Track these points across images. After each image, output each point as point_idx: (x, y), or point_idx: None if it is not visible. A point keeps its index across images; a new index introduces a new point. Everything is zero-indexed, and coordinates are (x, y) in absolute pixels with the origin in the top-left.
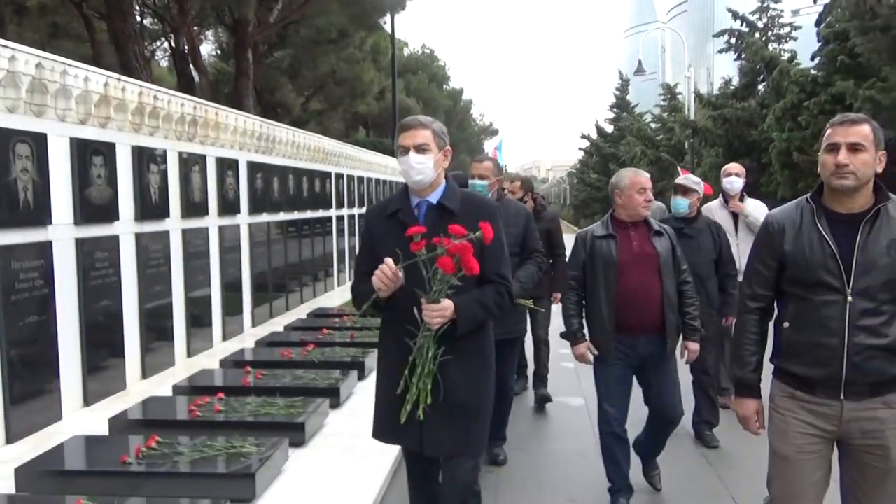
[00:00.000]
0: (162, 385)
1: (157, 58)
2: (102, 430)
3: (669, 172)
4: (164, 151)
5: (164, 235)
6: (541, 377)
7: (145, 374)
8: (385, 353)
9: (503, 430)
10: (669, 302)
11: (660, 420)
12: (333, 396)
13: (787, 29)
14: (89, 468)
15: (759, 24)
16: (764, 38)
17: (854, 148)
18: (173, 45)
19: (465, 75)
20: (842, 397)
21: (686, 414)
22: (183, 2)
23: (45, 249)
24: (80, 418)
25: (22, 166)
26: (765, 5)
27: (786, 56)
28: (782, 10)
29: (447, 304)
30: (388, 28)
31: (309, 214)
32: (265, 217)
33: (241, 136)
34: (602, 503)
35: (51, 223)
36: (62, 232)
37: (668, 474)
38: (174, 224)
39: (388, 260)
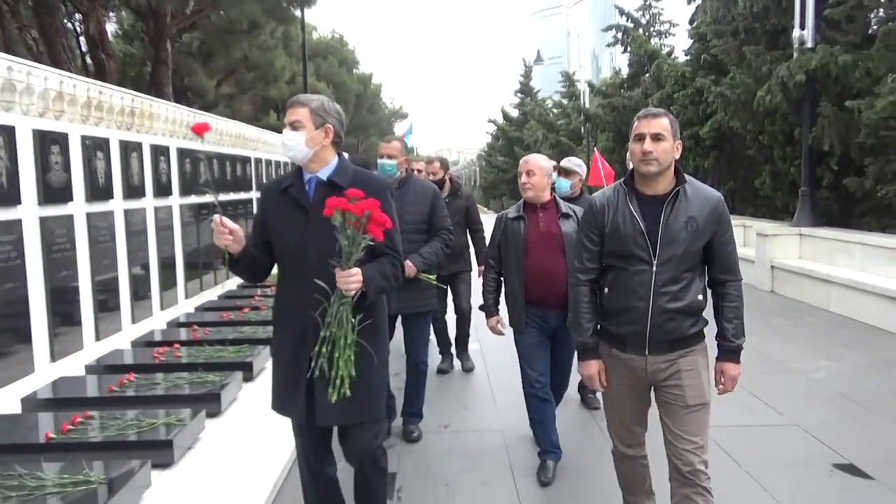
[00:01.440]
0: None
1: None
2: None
3: (570, 156)
4: (107, 140)
5: (110, 216)
6: (463, 346)
7: (98, 337)
8: (281, 328)
9: (418, 406)
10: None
11: (553, 384)
12: (246, 371)
13: (666, 25)
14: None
15: (643, 21)
16: (647, 34)
17: (656, 137)
18: (81, 29)
19: (375, 60)
20: (646, 353)
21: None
22: None
23: (16, 226)
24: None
25: None
26: (647, 3)
27: (666, 50)
28: (663, 8)
29: (358, 271)
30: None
31: (231, 196)
32: (193, 199)
33: (172, 124)
34: (509, 484)
35: (20, 203)
36: (29, 211)
37: (564, 434)
38: (118, 205)
39: (216, 216)
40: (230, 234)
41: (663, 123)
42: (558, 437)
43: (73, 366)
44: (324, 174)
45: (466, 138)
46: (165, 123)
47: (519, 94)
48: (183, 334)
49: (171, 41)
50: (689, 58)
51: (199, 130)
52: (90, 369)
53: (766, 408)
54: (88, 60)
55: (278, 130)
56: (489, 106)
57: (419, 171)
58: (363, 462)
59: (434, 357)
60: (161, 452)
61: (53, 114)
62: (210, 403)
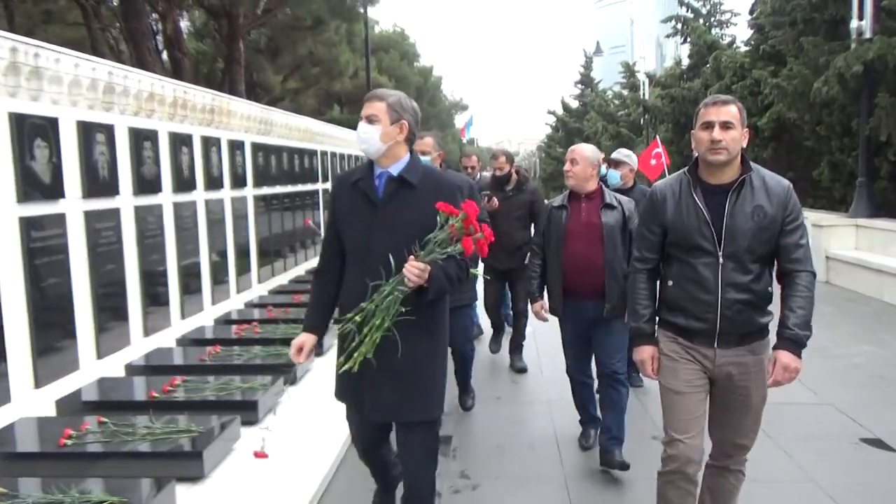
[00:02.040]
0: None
1: None
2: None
3: (630, 146)
4: (190, 136)
5: (192, 205)
6: (517, 346)
7: (183, 315)
8: (346, 309)
9: (468, 384)
10: (612, 270)
11: (602, 383)
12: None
13: (727, 15)
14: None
15: (703, 11)
16: (707, 24)
17: (726, 126)
18: (158, 28)
19: (435, 52)
20: (715, 346)
21: None
22: None
23: (115, 214)
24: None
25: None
26: None
27: (727, 41)
28: None
29: (427, 268)
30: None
31: (300, 188)
32: (265, 190)
33: (247, 120)
34: (553, 448)
35: (119, 194)
36: (126, 201)
37: None
38: (199, 196)
39: (305, 350)
40: (303, 352)
41: (732, 111)
42: (597, 408)
43: (165, 339)
44: (395, 170)
45: (527, 129)
46: (241, 120)
47: (579, 85)
48: (257, 314)
49: (242, 40)
50: (748, 48)
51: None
52: (180, 342)
53: (802, 388)
54: (165, 58)
55: (342, 124)
56: (549, 97)
57: (472, 167)
58: (419, 460)
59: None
60: (247, 412)
61: (146, 113)
62: (287, 374)
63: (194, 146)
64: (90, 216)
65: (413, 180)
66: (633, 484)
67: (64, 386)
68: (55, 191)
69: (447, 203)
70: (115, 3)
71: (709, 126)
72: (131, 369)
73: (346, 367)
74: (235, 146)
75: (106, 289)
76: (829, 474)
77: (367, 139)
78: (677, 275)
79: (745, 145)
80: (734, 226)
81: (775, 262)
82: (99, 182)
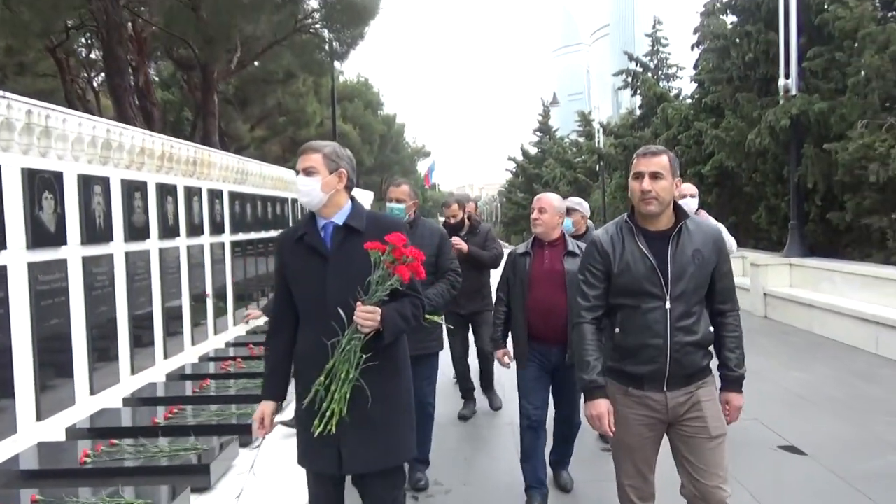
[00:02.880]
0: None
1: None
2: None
3: (587, 192)
4: (175, 186)
5: (176, 251)
6: (489, 384)
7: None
8: (303, 381)
9: (425, 451)
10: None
11: (560, 420)
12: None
13: (674, 69)
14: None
15: (651, 65)
16: (655, 77)
17: (655, 176)
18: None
19: (398, 100)
20: (665, 389)
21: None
22: (142, 44)
23: (109, 260)
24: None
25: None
26: (655, 49)
27: (674, 92)
28: (670, 53)
29: (378, 310)
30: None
31: (272, 233)
32: (241, 236)
33: (225, 171)
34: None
35: (112, 241)
36: (118, 247)
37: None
38: (182, 242)
39: (266, 419)
40: (270, 423)
41: (662, 161)
42: (545, 469)
43: (153, 376)
44: (339, 218)
45: (488, 174)
46: (220, 170)
47: (538, 133)
48: (233, 352)
49: (216, 92)
50: (692, 101)
51: None
52: (169, 376)
53: None
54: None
55: None
56: (510, 143)
57: (454, 216)
58: None
59: (453, 403)
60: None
61: (136, 165)
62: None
63: (178, 195)
64: (87, 261)
65: (359, 227)
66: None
67: (66, 417)
68: (59, 238)
69: (376, 243)
70: (85, 56)
71: (639, 176)
72: (126, 401)
73: (321, 429)
74: (215, 195)
75: (100, 329)
76: (751, 476)
77: (307, 192)
78: (625, 322)
79: (677, 195)
80: (678, 270)
81: (707, 303)
82: (96, 230)
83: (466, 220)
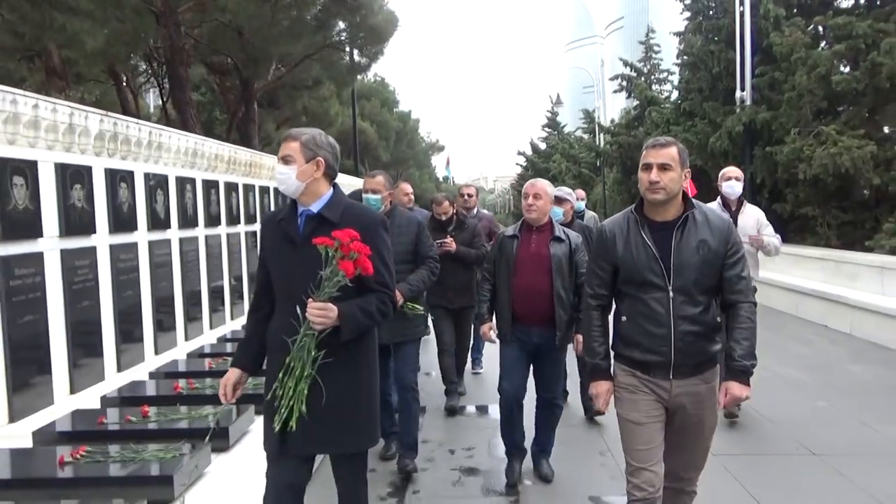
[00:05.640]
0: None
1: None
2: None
3: (590, 186)
4: (237, 184)
5: (237, 236)
6: (460, 370)
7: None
8: (271, 359)
9: (412, 437)
10: (560, 299)
11: (541, 405)
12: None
13: (665, 74)
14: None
15: (645, 70)
16: (648, 81)
17: (663, 167)
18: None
19: (413, 96)
20: (671, 377)
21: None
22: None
23: (182, 243)
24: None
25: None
26: (648, 55)
27: (664, 95)
28: (662, 59)
29: (332, 307)
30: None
31: None
32: None
33: (272, 171)
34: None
35: (169, 227)
36: (174, 233)
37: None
38: (242, 229)
39: (229, 387)
40: (233, 392)
41: (671, 153)
42: (524, 437)
43: (139, 373)
44: (315, 207)
45: (502, 166)
46: (268, 171)
47: (546, 129)
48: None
49: (255, 101)
50: (670, 107)
51: None
52: (153, 374)
53: None
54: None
55: None
56: (524, 135)
57: (445, 213)
58: (356, 488)
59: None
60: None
61: (211, 168)
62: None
63: (239, 192)
64: (183, 242)
65: (332, 217)
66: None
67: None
68: (166, 223)
69: (324, 238)
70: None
71: (648, 167)
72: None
73: (279, 427)
74: (264, 191)
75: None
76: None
77: (283, 179)
78: (630, 310)
79: (685, 185)
80: (681, 260)
81: (720, 294)
82: (186, 218)
83: (455, 216)
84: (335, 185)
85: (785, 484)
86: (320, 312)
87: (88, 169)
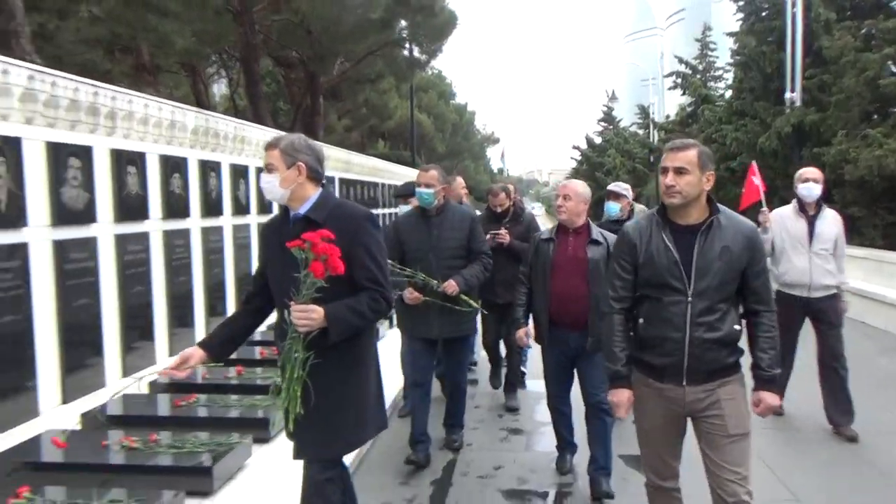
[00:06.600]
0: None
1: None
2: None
3: (644, 181)
4: None
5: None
6: (511, 385)
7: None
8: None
9: (459, 417)
10: (596, 303)
11: (589, 414)
12: None
13: (720, 71)
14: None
15: (700, 67)
16: (702, 79)
17: (679, 171)
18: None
19: (469, 89)
20: (684, 383)
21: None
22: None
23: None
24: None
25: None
26: (703, 52)
27: (719, 93)
28: (717, 56)
29: (315, 309)
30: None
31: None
32: None
33: (336, 161)
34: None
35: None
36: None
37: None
38: None
39: (179, 360)
40: (182, 366)
41: (688, 156)
42: (573, 434)
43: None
44: (302, 210)
45: (557, 159)
46: (334, 161)
47: (601, 123)
48: None
49: (322, 96)
50: (725, 105)
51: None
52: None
53: None
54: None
55: (385, 157)
56: (579, 128)
57: (501, 205)
58: (311, 496)
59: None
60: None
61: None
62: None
63: None
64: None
65: (318, 218)
66: None
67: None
68: (218, 210)
69: (297, 241)
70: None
71: (665, 171)
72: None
73: (285, 428)
74: (329, 180)
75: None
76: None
77: (268, 188)
78: (648, 313)
79: (707, 188)
80: (703, 265)
81: (740, 302)
82: (263, 204)
83: (511, 208)
84: (323, 186)
85: (805, 461)
86: (301, 314)
87: (185, 160)
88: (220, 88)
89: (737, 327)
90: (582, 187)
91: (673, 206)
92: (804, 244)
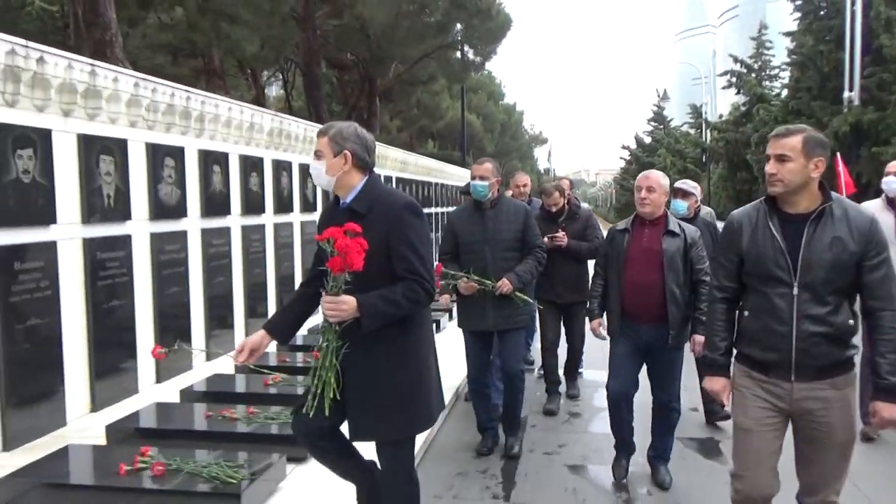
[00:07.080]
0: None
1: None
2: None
3: (695, 180)
4: None
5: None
6: (573, 374)
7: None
8: None
9: (517, 419)
10: (672, 296)
11: (657, 408)
12: None
13: (776, 70)
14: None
15: (755, 66)
16: (758, 78)
17: (780, 158)
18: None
19: (517, 88)
20: (792, 379)
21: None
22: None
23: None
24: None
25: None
26: (759, 51)
27: (775, 92)
28: (773, 55)
29: (346, 300)
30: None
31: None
32: None
33: (394, 161)
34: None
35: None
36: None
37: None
38: None
39: (247, 347)
40: (248, 353)
41: (791, 143)
42: (633, 434)
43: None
44: (348, 199)
45: (605, 160)
46: (392, 161)
47: (652, 122)
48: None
49: (378, 98)
50: (780, 104)
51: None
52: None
53: None
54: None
55: (436, 156)
56: (628, 127)
57: (556, 204)
58: (390, 481)
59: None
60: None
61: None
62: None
63: None
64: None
65: (361, 209)
66: None
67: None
68: (289, 207)
69: (333, 229)
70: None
71: (768, 158)
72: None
73: (309, 407)
74: (386, 180)
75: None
76: None
77: (316, 175)
78: (753, 305)
79: (814, 175)
80: (811, 256)
81: (858, 297)
82: (309, 202)
83: (566, 206)
84: (371, 174)
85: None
86: (331, 305)
87: (261, 160)
88: (272, 90)
89: (850, 322)
90: (664, 178)
91: (775, 195)
92: (892, 237)
